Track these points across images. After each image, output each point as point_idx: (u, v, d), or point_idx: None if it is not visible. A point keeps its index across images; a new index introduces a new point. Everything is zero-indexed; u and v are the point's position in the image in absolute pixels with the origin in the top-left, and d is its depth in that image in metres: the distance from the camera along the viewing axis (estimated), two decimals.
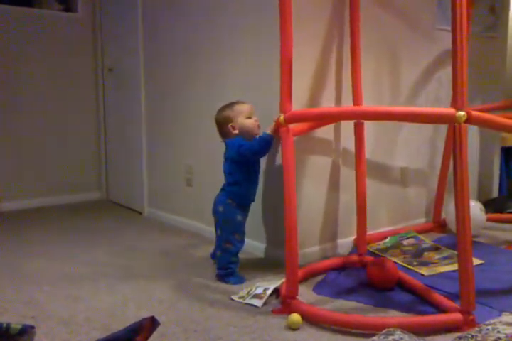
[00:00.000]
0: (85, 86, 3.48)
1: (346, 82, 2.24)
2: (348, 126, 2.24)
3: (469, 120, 1.51)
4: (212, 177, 2.59)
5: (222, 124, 1.99)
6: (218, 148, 2.60)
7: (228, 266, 1.98)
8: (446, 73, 2.81)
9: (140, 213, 3.16)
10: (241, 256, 2.05)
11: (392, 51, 2.50)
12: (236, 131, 1.96)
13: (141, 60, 3.04)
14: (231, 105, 1.99)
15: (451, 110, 1.52)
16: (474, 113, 1.52)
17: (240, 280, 1.96)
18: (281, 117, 1.75)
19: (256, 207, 2.27)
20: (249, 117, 1.97)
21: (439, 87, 2.79)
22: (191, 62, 2.65)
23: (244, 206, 2.03)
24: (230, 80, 2.39)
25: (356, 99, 2.15)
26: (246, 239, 2.29)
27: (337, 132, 2.27)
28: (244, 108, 1.98)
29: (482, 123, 1.71)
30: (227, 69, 2.40)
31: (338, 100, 2.25)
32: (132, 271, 2.13)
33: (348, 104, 2.24)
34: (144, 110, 3.08)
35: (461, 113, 1.50)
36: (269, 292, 1.79)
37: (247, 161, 1.96)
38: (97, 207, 3.41)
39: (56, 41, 3.31)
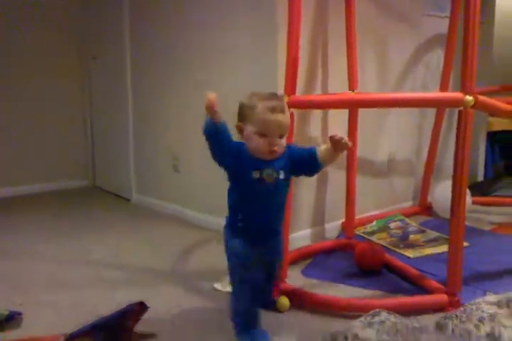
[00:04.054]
0: (71, 73, 3.42)
1: (332, 68, 2.24)
2: (335, 115, 2.24)
3: (476, 105, 1.50)
4: (200, 163, 2.58)
5: (237, 114, 1.37)
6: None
7: (233, 318, 1.42)
8: (434, 58, 2.81)
9: (128, 200, 3.15)
10: None
11: (380, 37, 2.49)
12: (240, 136, 1.37)
13: (127, 46, 2.98)
14: (258, 100, 1.31)
15: (460, 95, 1.51)
16: (481, 98, 1.52)
17: None
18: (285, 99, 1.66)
19: None
20: (264, 135, 1.29)
21: (426, 73, 2.79)
22: (179, 48, 2.61)
23: (246, 237, 1.38)
24: (219, 67, 2.37)
25: (352, 86, 2.15)
26: None
27: (325, 120, 2.27)
28: (264, 118, 1.29)
29: (487, 109, 1.70)
30: (218, 55, 2.37)
31: (327, 87, 2.25)
32: (120, 257, 2.12)
33: (335, 91, 2.23)
34: (130, 97, 3.04)
35: (469, 98, 1.49)
36: None
37: (219, 164, 1.36)
38: (85, 194, 3.38)
39: (39, 28, 3.24)
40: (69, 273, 1.93)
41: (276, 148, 1.31)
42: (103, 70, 3.31)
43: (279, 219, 1.45)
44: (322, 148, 1.36)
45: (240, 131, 1.35)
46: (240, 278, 1.38)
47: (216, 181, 2.50)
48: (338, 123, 2.25)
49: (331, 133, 2.21)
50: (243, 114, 1.34)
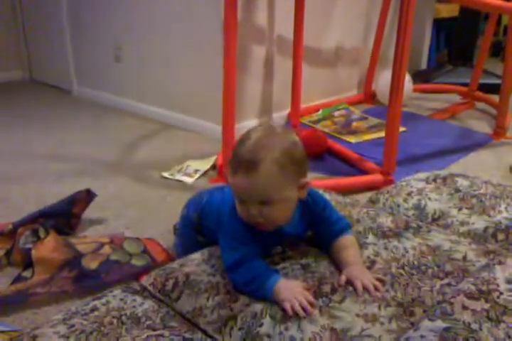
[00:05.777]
0: None
1: None
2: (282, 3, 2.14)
3: None
4: (144, 52, 2.46)
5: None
6: (150, 21, 2.42)
7: None
8: None
9: (69, 92, 3.00)
10: (178, 131, 2.01)
11: None
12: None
13: None
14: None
15: None
16: None
17: None
18: None
19: (192, 85, 2.23)
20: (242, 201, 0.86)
21: None
22: None
23: None
24: None
25: None
26: (185, 116, 2.28)
27: (271, 8, 2.16)
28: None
29: None
30: None
31: None
32: (66, 150, 2.10)
33: None
34: None
35: None
36: (199, 174, 1.83)
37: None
38: (21, 86, 3.18)
39: None
40: (14, 166, 1.91)
41: (260, 221, 0.85)
42: None
43: None
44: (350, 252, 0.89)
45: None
46: None
47: (161, 71, 2.42)
48: (285, 11, 2.16)
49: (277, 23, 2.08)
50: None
